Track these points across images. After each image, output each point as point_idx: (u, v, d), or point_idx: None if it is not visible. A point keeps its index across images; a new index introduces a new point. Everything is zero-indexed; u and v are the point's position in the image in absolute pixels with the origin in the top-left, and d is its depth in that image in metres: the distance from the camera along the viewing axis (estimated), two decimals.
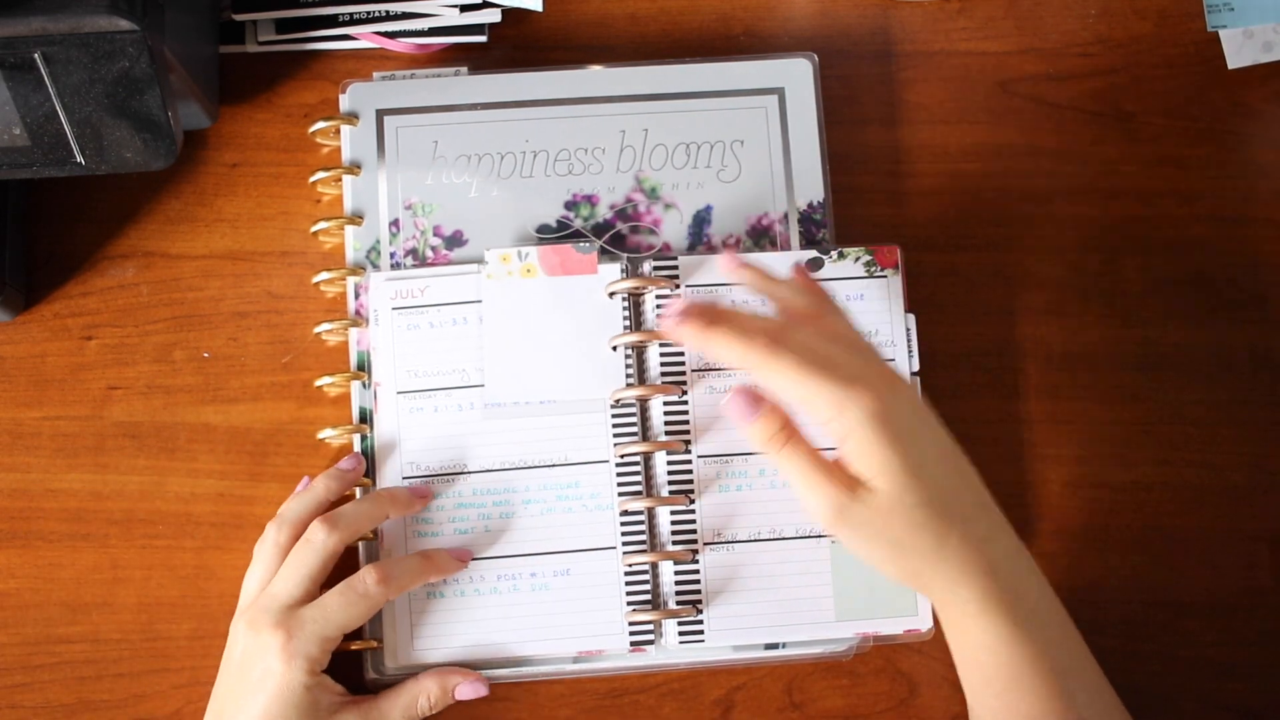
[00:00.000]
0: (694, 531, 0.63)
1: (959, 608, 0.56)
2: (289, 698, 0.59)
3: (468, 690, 0.62)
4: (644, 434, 0.64)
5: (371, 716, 0.61)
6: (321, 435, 0.65)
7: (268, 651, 0.59)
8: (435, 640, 0.63)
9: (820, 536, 0.64)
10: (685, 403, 0.64)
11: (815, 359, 0.56)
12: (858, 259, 0.66)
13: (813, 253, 0.66)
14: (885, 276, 0.66)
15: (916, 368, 0.66)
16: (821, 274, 0.66)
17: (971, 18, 0.73)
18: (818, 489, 0.55)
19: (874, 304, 0.66)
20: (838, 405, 0.54)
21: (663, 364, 0.64)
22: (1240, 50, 0.72)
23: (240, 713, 0.59)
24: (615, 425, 0.64)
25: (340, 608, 0.60)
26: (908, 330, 0.66)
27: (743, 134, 0.69)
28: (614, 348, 0.65)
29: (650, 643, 0.63)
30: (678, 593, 0.63)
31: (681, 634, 0.63)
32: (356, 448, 0.65)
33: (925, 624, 0.64)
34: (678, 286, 0.65)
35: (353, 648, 0.63)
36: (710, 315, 0.57)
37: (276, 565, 0.61)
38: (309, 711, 0.59)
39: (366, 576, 0.60)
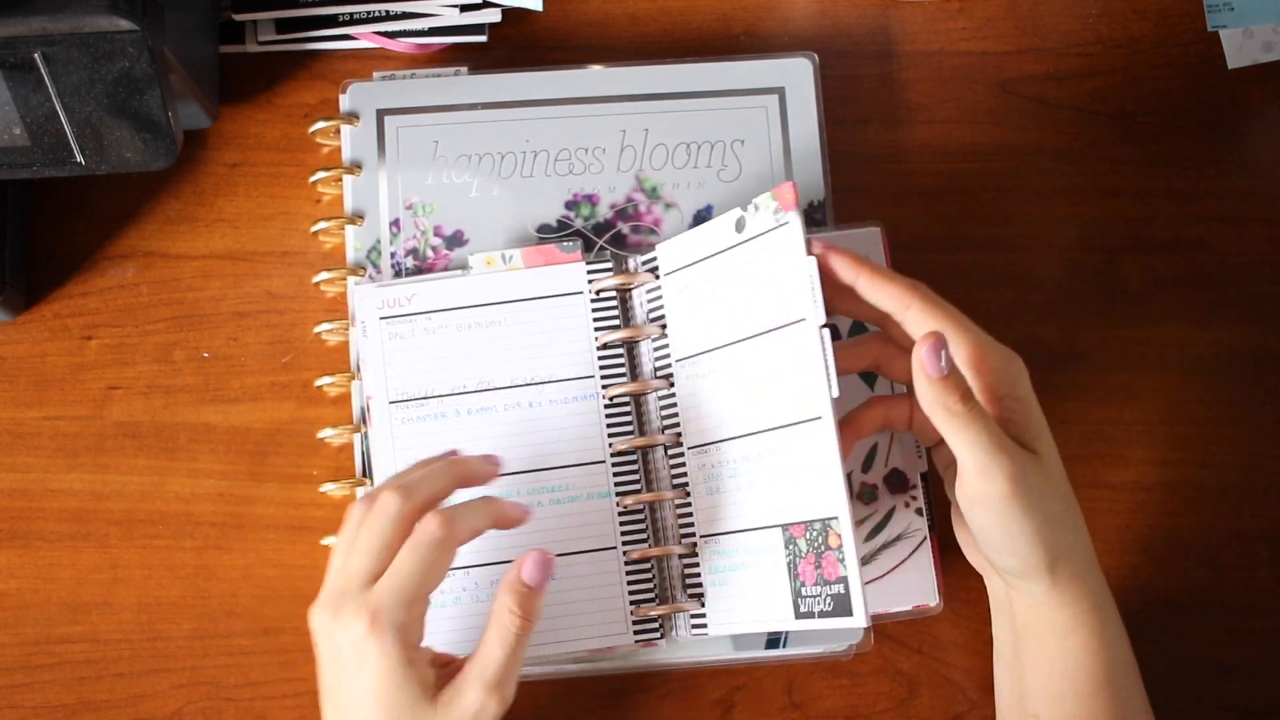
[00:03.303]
0: (693, 524, 0.63)
1: (1073, 606, 0.56)
2: (392, 678, 0.53)
3: (531, 571, 0.55)
4: (640, 430, 0.64)
5: (475, 673, 0.54)
6: (321, 435, 0.66)
7: (357, 636, 0.53)
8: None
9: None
10: (673, 395, 0.64)
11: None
12: (765, 208, 0.59)
13: (737, 212, 0.61)
14: (788, 224, 0.58)
15: (824, 319, 0.56)
16: (745, 234, 0.60)
17: (971, 18, 0.73)
18: (1003, 453, 0.53)
19: (781, 254, 0.58)
20: (1009, 359, 0.56)
21: (656, 359, 0.64)
22: (1240, 50, 0.72)
23: (356, 707, 0.54)
24: (610, 423, 0.64)
25: (413, 564, 0.54)
26: (810, 277, 0.57)
27: (743, 134, 0.69)
28: (605, 344, 0.64)
29: (660, 637, 0.63)
30: (686, 585, 0.63)
31: (694, 626, 0.63)
32: (357, 448, 0.65)
33: (933, 599, 0.64)
34: (658, 279, 0.65)
35: None
36: (855, 256, 0.57)
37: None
38: (417, 688, 0.53)
39: (428, 524, 0.54)
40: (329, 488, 0.65)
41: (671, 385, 0.64)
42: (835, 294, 0.58)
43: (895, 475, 0.66)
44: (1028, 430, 0.55)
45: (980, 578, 0.63)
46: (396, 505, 0.54)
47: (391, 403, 0.64)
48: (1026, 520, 0.54)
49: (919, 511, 0.65)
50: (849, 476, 0.65)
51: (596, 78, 0.69)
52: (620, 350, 0.65)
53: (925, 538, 0.64)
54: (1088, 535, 0.58)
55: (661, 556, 0.63)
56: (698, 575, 0.63)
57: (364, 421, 0.65)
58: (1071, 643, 0.57)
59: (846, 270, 0.57)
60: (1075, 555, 0.56)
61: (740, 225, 0.60)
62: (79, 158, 0.59)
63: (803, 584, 0.57)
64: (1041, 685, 0.58)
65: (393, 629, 0.53)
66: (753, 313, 0.59)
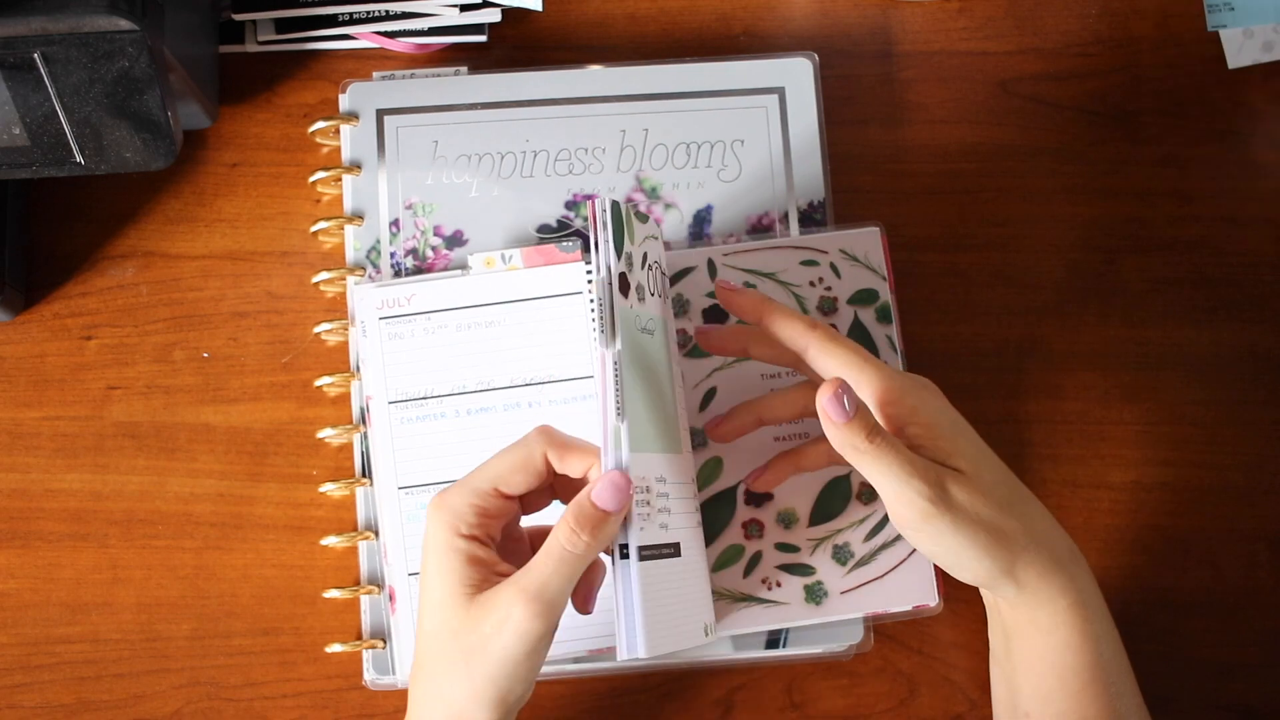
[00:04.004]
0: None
1: (1050, 604, 0.56)
2: (432, 560, 0.52)
3: (602, 492, 0.51)
4: None
5: (515, 579, 0.51)
6: (321, 435, 0.66)
7: (427, 521, 0.53)
8: None
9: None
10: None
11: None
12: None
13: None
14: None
15: (609, 344, 0.54)
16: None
17: (971, 18, 0.73)
18: (915, 477, 0.53)
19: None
20: (911, 388, 0.56)
21: None
22: (1240, 50, 0.72)
23: (421, 597, 0.53)
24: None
25: (495, 456, 0.53)
26: (587, 298, 0.57)
27: (743, 134, 0.69)
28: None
29: None
30: None
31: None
32: (357, 448, 0.65)
33: (933, 599, 0.63)
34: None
35: (335, 648, 0.63)
36: (759, 295, 0.59)
37: None
38: (455, 579, 0.52)
39: (530, 431, 0.54)
40: (328, 488, 0.65)
41: None
42: (752, 339, 0.60)
43: None
44: (939, 451, 0.55)
45: None
46: (534, 436, 0.54)
47: (391, 403, 0.64)
48: (960, 535, 0.54)
49: None
50: (848, 477, 0.65)
51: (596, 78, 0.69)
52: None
53: None
54: (1056, 532, 0.57)
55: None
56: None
57: (363, 421, 0.65)
58: (1055, 640, 0.57)
59: (751, 310, 0.58)
60: (1037, 556, 0.56)
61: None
62: (79, 158, 0.59)
63: None
64: (1031, 684, 0.58)
65: (445, 506, 0.52)
66: None
